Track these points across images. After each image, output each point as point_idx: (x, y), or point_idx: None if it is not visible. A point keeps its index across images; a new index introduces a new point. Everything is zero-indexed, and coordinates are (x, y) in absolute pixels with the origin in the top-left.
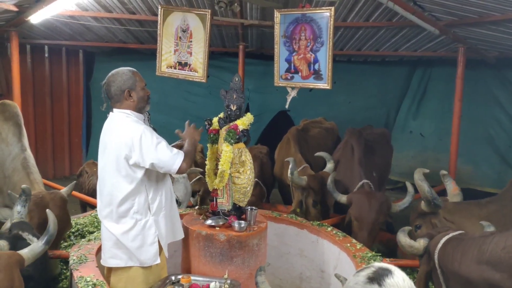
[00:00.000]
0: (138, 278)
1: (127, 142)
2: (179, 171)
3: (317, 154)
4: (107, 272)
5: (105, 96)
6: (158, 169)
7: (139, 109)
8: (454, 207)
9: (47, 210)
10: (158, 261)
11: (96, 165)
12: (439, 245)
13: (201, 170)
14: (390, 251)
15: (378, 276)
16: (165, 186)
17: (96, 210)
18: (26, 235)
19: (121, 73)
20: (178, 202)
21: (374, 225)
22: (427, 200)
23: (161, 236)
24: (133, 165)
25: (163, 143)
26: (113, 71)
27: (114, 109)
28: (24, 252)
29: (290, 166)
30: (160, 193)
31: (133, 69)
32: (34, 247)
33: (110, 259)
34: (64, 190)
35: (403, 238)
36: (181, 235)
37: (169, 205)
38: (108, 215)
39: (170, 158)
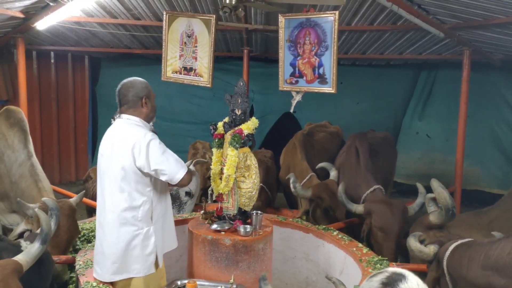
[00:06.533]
0: None
1: (134, 145)
2: (181, 182)
3: (319, 166)
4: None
5: (118, 101)
6: (160, 176)
7: (149, 118)
8: (455, 220)
9: (36, 208)
10: (153, 271)
11: None
12: (448, 252)
13: (206, 160)
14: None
15: (392, 281)
16: (166, 195)
17: None
18: (27, 244)
19: (138, 82)
20: (191, 194)
21: (400, 235)
22: (446, 209)
23: (158, 246)
24: (138, 168)
25: (170, 151)
26: (129, 79)
27: (123, 115)
28: (20, 257)
29: (291, 180)
30: (161, 202)
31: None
32: (30, 249)
33: (112, 275)
34: (73, 199)
35: (413, 242)
36: (174, 244)
37: (167, 214)
38: (110, 221)
39: (176, 166)
